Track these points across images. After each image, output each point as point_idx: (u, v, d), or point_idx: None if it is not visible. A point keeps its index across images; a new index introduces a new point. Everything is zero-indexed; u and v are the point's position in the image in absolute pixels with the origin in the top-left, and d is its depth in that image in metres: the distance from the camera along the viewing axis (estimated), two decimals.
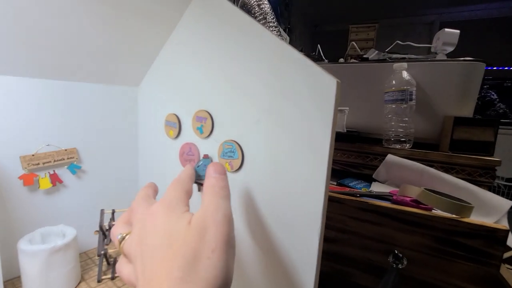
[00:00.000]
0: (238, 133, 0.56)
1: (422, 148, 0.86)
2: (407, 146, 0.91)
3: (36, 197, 0.63)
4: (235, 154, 0.56)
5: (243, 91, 0.54)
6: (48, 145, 0.64)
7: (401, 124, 0.92)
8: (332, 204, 0.71)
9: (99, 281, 0.62)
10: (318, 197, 0.47)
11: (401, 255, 0.56)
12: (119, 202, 0.80)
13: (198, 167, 0.63)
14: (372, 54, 1.40)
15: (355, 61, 1.44)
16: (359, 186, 0.88)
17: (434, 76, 0.88)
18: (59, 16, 0.52)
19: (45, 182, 0.63)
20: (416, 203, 0.60)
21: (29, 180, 0.61)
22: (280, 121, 0.49)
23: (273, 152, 0.51)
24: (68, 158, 0.67)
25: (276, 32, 1.85)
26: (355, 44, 1.66)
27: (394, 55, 1.26)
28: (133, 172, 0.83)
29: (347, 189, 0.82)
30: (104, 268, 0.64)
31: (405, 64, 0.89)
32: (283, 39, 1.94)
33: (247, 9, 1.94)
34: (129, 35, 0.62)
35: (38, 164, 0.62)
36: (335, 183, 0.92)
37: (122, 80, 0.75)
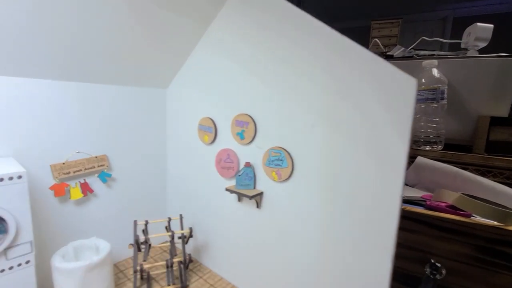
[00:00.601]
0: (287, 140, 0.51)
1: (454, 150, 0.82)
2: (438, 147, 0.85)
3: (67, 208, 0.60)
4: (283, 162, 0.51)
5: (294, 93, 0.49)
6: (78, 152, 0.60)
7: (431, 125, 0.87)
8: None
9: None
10: (390, 215, 0.41)
11: (439, 265, 0.53)
12: (149, 212, 0.77)
13: (239, 176, 0.58)
14: (397, 51, 1.34)
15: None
16: None
17: (466, 73, 0.84)
18: (94, 25, 0.48)
19: (76, 192, 0.59)
20: (452, 209, 0.56)
21: (61, 191, 0.57)
22: (339, 126, 0.44)
23: (331, 162, 0.46)
24: (98, 166, 0.63)
25: None
26: (378, 41, 1.60)
27: (422, 52, 1.20)
28: (162, 179, 0.79)
29: None
30: (137, 283, 0.60)
31: (435, 61, 0.84)
32: None
33: None
34: (161, 35, 0.58)
35: (69, 173, 0.58)
36: None
37: (151, 82, 0.71)
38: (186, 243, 0.64)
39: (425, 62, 0.85)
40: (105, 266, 0.54)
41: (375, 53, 1.64)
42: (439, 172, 0.81)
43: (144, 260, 0.57)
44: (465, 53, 0.98)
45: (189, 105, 0.70)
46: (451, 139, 0.88)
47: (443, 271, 0.52)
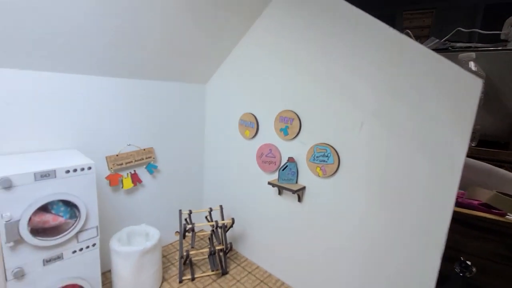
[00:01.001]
0: (333, 137, 0.52)
1: (489, 147, 0.79)
2: (472, 144, 0.82)
3: (120, 197, 0.64)
4: (329, 158, 0.52)
5: (343, 91, 0.49)
6: (129, 145, 0.64)
7: None
8: None
9: (180, 281, 0.62)
10: (443, 214, 0.42)
11: (469, 263, 0.51)
12: (192, 200, 0.81)
13: (283, 170, 0.60)
14: (431, 43, 1.28)
15: None
16: None
17: (506, 66, 0.80)
18: (145, 25, 0.51)
19: (127, 182, 0.63)
20: (485, 207, 0.54)
21: (115, 180, 0.61)
22: (390, 125, 0.44)
23: (380, 160, 0.46)
24: (146, 158, 0.67)
25: None
26: (410, 33, 1.54)
27: (458, 44, 1.15)
28: (199, 172, 0.83)
29: None
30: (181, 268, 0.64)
31: (473, 54, 0.80)
32: None
33: None
34: (206, 31, 0.59)
35: (122, 164, 0.62)
36: None
37: (192, 77, 0.73)
38: (227, 231, 0.67)
39: (462, 55, 0.81)
40: (156, 251, 0.58)
41: None
42: (471, 169, 0.79)
43: (192, 247, 0.60)
44: (505, 45, 0.93)
45: (229, 100, 0.72)
46: (487, 135, 0.85)
47: (473, 270, 0.52)
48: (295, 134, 0.57)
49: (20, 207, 0.39)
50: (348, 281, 0.52)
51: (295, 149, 0.59)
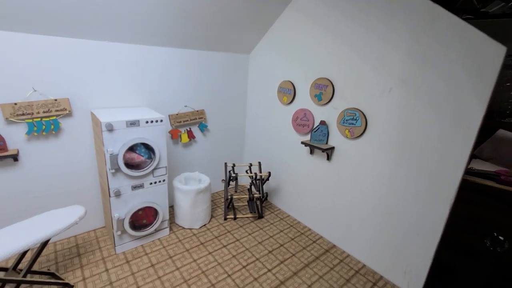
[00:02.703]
0: (363, 101, 0.58)
1: None
2: None
3: (178, 148, 0.79)
4: (357, 121, 0.58)
5: (375, 59, 0.54)
6: (185, 106, 0.76)
7: None
8: None
9: (225, 219, 0.76)
10: (455, 174, 0.47)
11: (502, 238, 0.53)
12: (234, 156, 0.94)
13: (315, 132, 0.68)
14: (495, 7, 1.17)
15: (469, 16, 1.23)
16: None
17: None
18: (200, 3, 0.59)
19: (184, 137, 0.77)
20: None
21: (176, 135, 0.75)
22: (416, 91, 0.49)
23: (402, 123, 0.52)
24: (199, 118, 0.79)
25: None
26: None
27: None
28: (242, 132, 0.94)
29: None
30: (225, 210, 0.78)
31: None
32: None
33: None
34: (250, 4, 0.66)
35: (180, 122, 0.76)
36: None
37: (237, 48, 0.82)
38: (264, 183, 0.79)
39: None
40: (207, 192, 0.72)
41: (466, 9, 1.46)
42: None
43: (236, 191, 0.73)
44: None
45: (270, 69, 0.80)
46: None
47: (506, 245, 0.54)
48: (328, 100, 0.64)
49: (118, 145, 0.54)
50: (366, 227, 0.61)
51: (327, 114, 0.66)
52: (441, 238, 0.60)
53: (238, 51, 0.83)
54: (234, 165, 0.80)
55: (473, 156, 0.87)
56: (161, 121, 0.59)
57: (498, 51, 0.39)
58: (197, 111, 0.79)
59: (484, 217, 0.59)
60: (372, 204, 0.59)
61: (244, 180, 0.91)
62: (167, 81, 0.72)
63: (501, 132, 0.80)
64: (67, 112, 0.58)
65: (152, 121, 0.58)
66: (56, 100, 0.56)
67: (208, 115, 0.83)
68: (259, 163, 0.82)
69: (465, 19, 1.13)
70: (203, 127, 0.81)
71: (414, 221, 0.53)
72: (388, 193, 0.56)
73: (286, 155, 0.79)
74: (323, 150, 0.64)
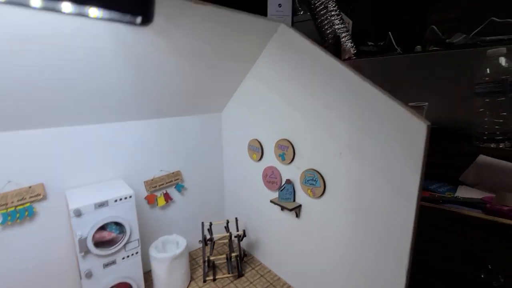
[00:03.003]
0: (320, 163, 0.61)
1: None
2: (506, 144, 0.78)
3: (155, 212, 0.81)
4: (317, 182, 0.61)
5: (324, 124, 0.58)
6: (161, 170, 0.80)
7: (497, 120, 0.80)
8: None
9: (204, 281, 0.76)
10: (405, 235, 0.49)
11: (495, 271, 0.52)
12: (215, 210, 0.96)
13: (281, 191, 0.70)
14: (458, 38, 1.24)
15: (436, 48, 1.30)
16: (442, 190, 0.80)
17: None
18: (169, 76, 0.65)
19: (161, 200, 0.79)
20: None
21: (152, 200, 0.78)
22: (362, 157, 0.52)
23: (355, 185, 0.54)
24: (175, 180, 0.82)
25: (339, 19, 1.78)
26: (435, 29, 1.49)
27: (488, 38, 1.10)
28: (220, 189, 0.97)
29: (428, 194, 0.76)
30: (206, 269, 0.78)
31: (503, 49, 0.75)
32: (345, 26, 1.84)
33: (307, 0, 1.90)
34: (217, 74, 0.72)
35: (156, 186, 0.78)
36: None
37: (209, 109, 0.87)
38: (241, 241, 0.80)
39: (490, 51, 0.78)
40: (183, 257, 0.72)
41: (432, 40, 1.55)
42: (504, 172, 0.77)
43: (210, 254, 0.74)
44: None
45: (240, 127, 0.85)
46: None
47: (502, 279, 0.53)
48: (291, 160, 0.67)
49: (86, 227, 0.57)
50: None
51: (291, 172, 0.68)
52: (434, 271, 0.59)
53: (210, 111, 0.88)
54: (211, 224, 0.81)
55: (459, 183, 0.88)
56: (130, 197, 0.62)
57: (420, 128, 0.42)
58: (173, 173, 0.82)
59: (479, 250, 0.58)
60: (340, 264, 0.60)
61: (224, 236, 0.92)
62: (141, 150, 0.76)
63: (482, 157, 0.81)
64: (41, 197, 0.61)
65: (121, 199, 0.61)
66: (30, 187, 0.60)
67: (184, 175, 0.86)
68: (236, 219, 0.83)
69: (433, 51, 1.20)
70: (180, 188, 0.84)
71: (376, 278, 0.53)
72: (349, 253, 0.57)
73: (261, 210, 0.80)
74: (290, 210, 0.65)
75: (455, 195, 0.77)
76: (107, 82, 0.57)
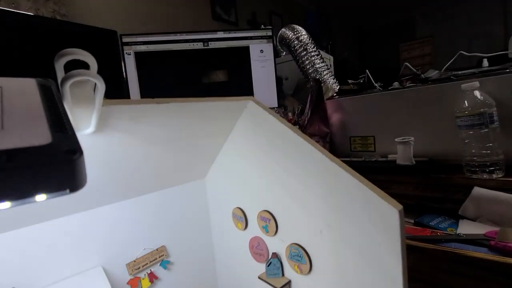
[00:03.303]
0: (303, 239, 0.59)
1: None
2: (498, 175, 0.76)
3: None
4: (302, 259, 0.58)
5: (301, 202, 0.57)
6: (144, 249, 0.76)
7: (484, 151, 0.78)
8: (414, 254, 0.66)
9: None
10: None
11: None
12: (206, 284, 0.90)
13: (268, 266, 0.67)
14: (432, 73, 1.29)
15: (412, 84, 1.34)
16: (443, 226, 0.77)
17: None
18: (141, 160, 0.65)
19: (145, 282, 0.75)
20: None
21: (135, 284, 0.73)
22: (342, 237, 0.50)
23: (339, 265, 0.51)
24: (159, 257, 0.78)
25: (319, 59, 1.85)
26: (409, 65, 1.55)
27: (461, 72, 1.13)
28: (210, 259, 0.92)
29: (429, 232, 0.73)
30: None
31: (476, 83, 0.77)
32: (326, 64, 1.91)
33: (287, 44, 2.00)
34: (191, 149, 0.72)
35: (139, 268, 0.75)
36: (412, 222, 0.83)
37: (190, 177, 0.86)
38: None
39: (464, 86, 0.80)
40: None
41: (407, 76, 1.61)
42: (503, 204, 0.75)
43: None
44: None
45: (223, 194, 0.83)
46: None
47: None
48: (274, 232, 0.65)
49: None
50: None
51: (277, 245, 0.66)
52: None
53: (192, 178, 0.87)
54: None
55: (459, 217, 0.85)
56: None
57: (392, 213, 0.41)
58: (157, 249, 0.79)
59: None
60: None
61: None
62: (120, 232, 0.73)
63: (477, 190, 0.79)
64: None
65: None
66: None
67: (170, 249, 0.82)
68: None
69: (410, 86, 1.23)
70: (165, 264, 0.80)
71: None
72: None
73: (253, 283, 0.76)
74: None
75: (457, 231, 0.74)
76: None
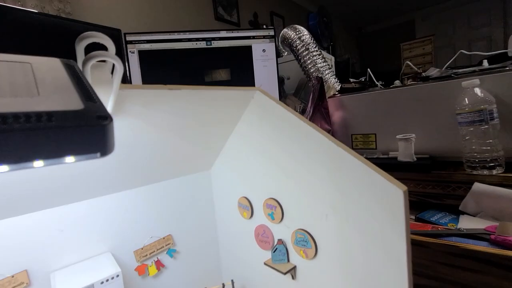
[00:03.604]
0: (309, 224, 0.60)
1: None
2: (498, 171, 0.78)
3: (147, 282, 0.77)
4: (308, 243, 0.59)
5: (307, 186, 0.58)
6: (151, 237, 0.78)
7: (484, 148, 0.80)
8: (415, 248, 0.67)
9: None
10: None
11: None
12: (209, 276, 0.91)
13: (274, 252, 0.69)
14: (433, 72, 1.30)
15: (413, 82, 1.35)
16: (444, 221, 0.79)
17: None
18: (152, 148, 0.66)
19: (152, 269, 0.77)
20: None
21: (142, 270, 0.75)
22: (347, 220, 0.51)
23: (345, 247, 0.53)
24: (166, 245, 0.80)
25: (321, 58, 1.86)
26: (410, 63, 1.57)
27: (461, 70, 1.15)
28: (215, 249, 0.94)
29: (430, 227, 0.74)
30: None
31: (476, 81, 0.79)
32: (328, 64, 1.93)
33: (288, 43, 2.02)
34: (199, 137, 0.73)
35: (146, 255, 0.76)
36: (414, 218, 0.84)
37: (197, 168, 0.87)
38: None
39: (465, 83, 0.80)
40: None
41: (409, 74, 1.63)
42: (503, 199, 0.76)
43: None
44: None
45: (229, 185, 0.84)
46: None
47: None
48: (280, 219, 0.66)
49: None
50: None
51: (283, 232, 0.67)
52: None
53: (198, 169, 0.89)
54: None
55: (460, 212, 0.86)
56: (117, 276, 0.60)
57: (397, 194, 0.42)
58: (164, 238, 0.81)
59: (490, 285, 0.56)
60: None
61: None
62: (129, 220, 0.75)
63: (477, 185, 0.80)
64: (25, 284, 0.59)
65: (107, 280, 0.58)
66: (13, 276, 0.58)
67: (176, 238, 0.84)
68: (232, 281, 0.80)
69: (411, 84, 1.25)
70: (171, 253, 0.82)
71: None
72: None
73: (258, 269, 0.78)
74: (284, 273, 0.63)
75: (457, 227, 0.75)
76: (92, 165, 0.58)
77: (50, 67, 0.30)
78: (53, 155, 0.21)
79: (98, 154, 0.24)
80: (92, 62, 0.35)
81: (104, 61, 0.38)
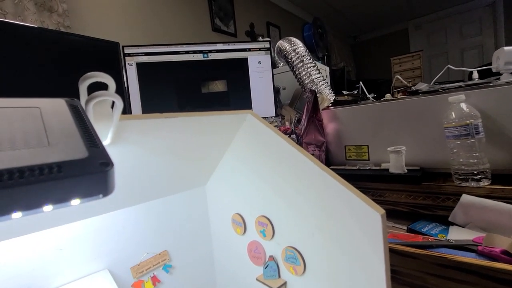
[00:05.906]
0: (297, 242, 0.63)
1: (505, 183, 0.75)
2: (485, 183, 0.80)
3: None
4: (297, 261, 0.62)
5: (295, 206, 0.62)
6: (147, 253, 0.80)
7: (471, 161, 0.82)
8: (406, 260, 0.69)
9: None
10: None
11: None
12: (206, 286, 0.94)
13: (265, 269, 0.71)
14: (422, 86, 1.35)
15: (403, 96, 1.40)
16: (434, 232, 0.81)
17: (503, 101, 0.80)
18: (148, 168, 0.69)
19: (149, 285, 0.79)
20: (507, 255, 0.54)
21: (139, 286, 0.77)
22: (332, 240, 0.55)
23: (331, 265, 0.56)
24: (162, 261, 0.82)
25: (315, 70, 1.91)
26: (400, 78, 1.62)
27: (448, 85, 1.19)
28: (210, 263, 0.96)
29: (421, 238, 0.77)
30: None
31: (462, 96, 0.82)
32: (322, 75, 1.98)
33: (284, 55, 2.07)
34: (194, 156, 0.76)
35: (143, 271, 0.78)
36: (405, 229, 0.87)
37: (192, 184, 0.90)
38: None
39: (451, 98, 0.84)
40: None
41: (399, 88, 1.68)
42: (490, 211, 0.78)
43: None
44: (498, 78, 0.94)
45: (223, 202, 0.87)
46: (498, 170, 0.83)
47: None
48: (271, 237, 0.69)
49: None
50: None
51: (274, 248, 0.70)
52: None
53: (194, 186, 0.92)
54: None
55: (450, 223, 0.89)
56: None
57: (375, 217, 0.46)
58: (160, 254, 0.83)
59: None
60: None
61: None
62: (126, 237, 0.77)
63: (465, 197, 0.82)
64: None
65: None
66: None
67: (172, 254, 0.86)
68: None
69: (402, 98, 1.29)
70: (167, 268, 0.84)
71: None
72: None
73: (250, 284, 0.80)
74: None
75: (447, 237, 0.77)
76: None
77: (56, 111, 0.34)
78: (62, 200, 0.24)
79: (101, 196, 0.27)
80: (94, 101, 0.38)
81: None
